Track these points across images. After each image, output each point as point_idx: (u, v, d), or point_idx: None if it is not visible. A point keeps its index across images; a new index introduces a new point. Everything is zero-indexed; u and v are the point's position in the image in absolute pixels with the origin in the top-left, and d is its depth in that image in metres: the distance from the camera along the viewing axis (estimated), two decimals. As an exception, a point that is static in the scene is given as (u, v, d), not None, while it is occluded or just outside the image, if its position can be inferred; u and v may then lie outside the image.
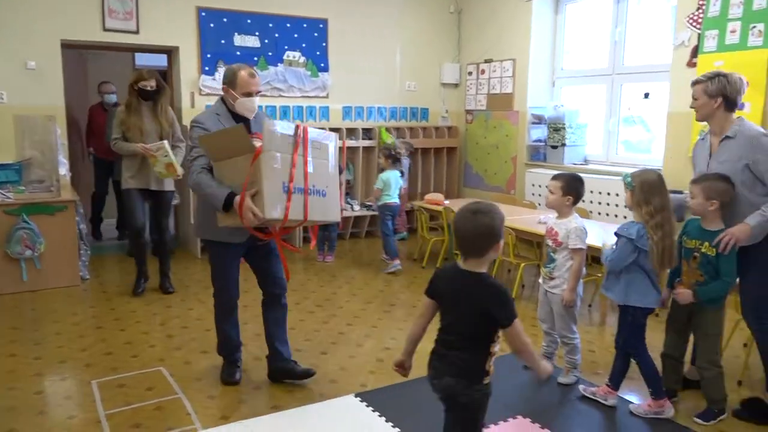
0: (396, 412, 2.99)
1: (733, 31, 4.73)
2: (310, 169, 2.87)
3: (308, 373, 3.29)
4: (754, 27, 4.59)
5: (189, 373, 3.43)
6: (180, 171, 4.60)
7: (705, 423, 2.92)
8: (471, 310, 2.04)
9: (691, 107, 3.08)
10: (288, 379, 3.30)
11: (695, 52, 5.05)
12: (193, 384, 3.30)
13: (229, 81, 3.01)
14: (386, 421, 2.91)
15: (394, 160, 5.77)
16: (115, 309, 4.51)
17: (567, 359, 3.41)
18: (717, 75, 2.97)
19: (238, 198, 2.76)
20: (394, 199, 5.73)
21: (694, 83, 3.04)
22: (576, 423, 2.98)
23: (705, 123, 3.14)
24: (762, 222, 2.79)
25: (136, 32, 5.82)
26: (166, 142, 4.57)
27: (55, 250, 4.93)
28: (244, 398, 3.15)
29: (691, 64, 5.09)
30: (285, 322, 3.34)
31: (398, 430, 2.83)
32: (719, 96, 2.93)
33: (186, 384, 3.29)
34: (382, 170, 5.84)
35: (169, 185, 4.84)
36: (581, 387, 3.24)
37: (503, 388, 3.27)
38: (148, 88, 4.62)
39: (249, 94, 3.01)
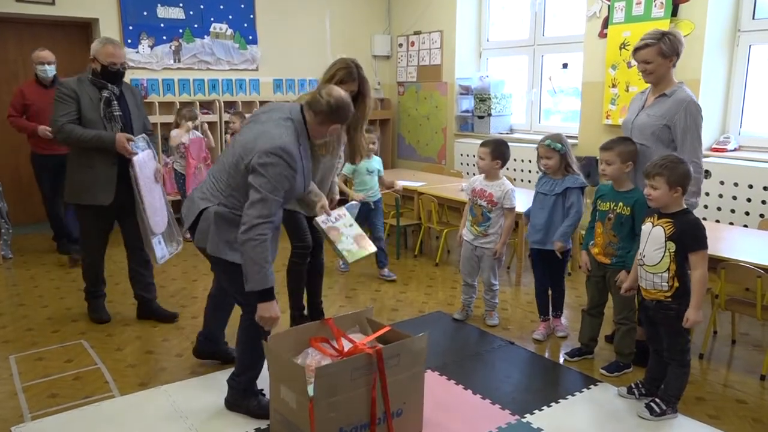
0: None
1: (638, 3, 4.97)
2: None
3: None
4: (657, -1, 4.84)
5: (110, 345, 3.47)
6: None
7: (609, 374, 3.10)
8: None
9: (643, 71, 3.04)
10: (216, 360, 3.21)
11: (606, 23, 5.28)
12: (113, 354, 3.34)
13: None
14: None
15: None
16: (39, 287, 4.47)
17: (489, 303, 3.81)
18: (663, 35, 2.97)
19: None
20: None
21: (641, 48, 2.99)
22: (482, 375, 3.17)
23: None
24: None
25: (52, 3, 5.64)
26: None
27: (-26, 229, 4.82)
28: (164, 366, 3.22)
29: (602, 35, 5.32)
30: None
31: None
32: (674, 54, 2.97)
33: (106, 355, 3.33)
34: None
35: None
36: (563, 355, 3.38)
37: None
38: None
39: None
